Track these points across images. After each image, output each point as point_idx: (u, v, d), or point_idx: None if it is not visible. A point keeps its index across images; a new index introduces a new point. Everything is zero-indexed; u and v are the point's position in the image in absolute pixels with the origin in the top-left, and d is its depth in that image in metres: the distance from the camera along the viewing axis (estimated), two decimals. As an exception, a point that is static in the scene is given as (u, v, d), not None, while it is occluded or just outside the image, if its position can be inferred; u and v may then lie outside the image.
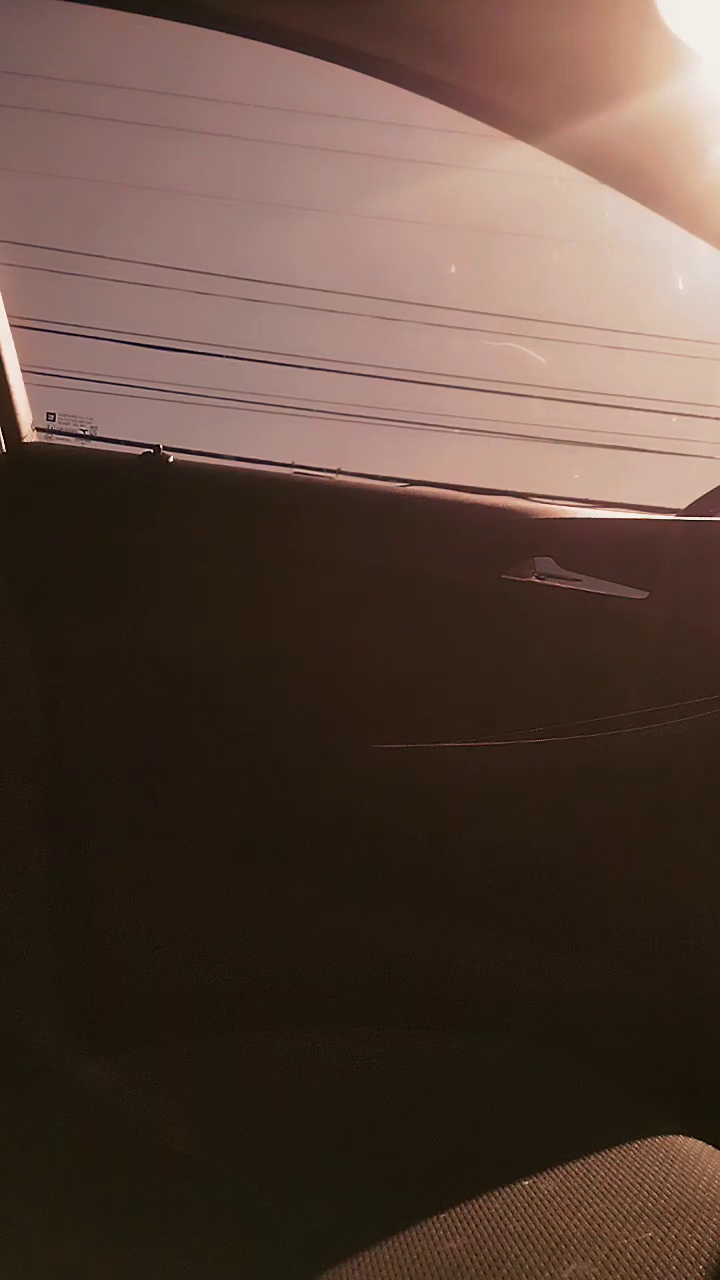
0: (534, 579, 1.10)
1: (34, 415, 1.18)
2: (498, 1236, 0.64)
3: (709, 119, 0.83)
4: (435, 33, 0.81)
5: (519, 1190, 0.68)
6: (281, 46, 0.83)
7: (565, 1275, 0.60)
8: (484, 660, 1.10)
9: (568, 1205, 0.66)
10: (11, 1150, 0.75)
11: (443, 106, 0.85)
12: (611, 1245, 0.62)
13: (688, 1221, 0.63)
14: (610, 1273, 0.59)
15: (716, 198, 0.88)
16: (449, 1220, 0.65)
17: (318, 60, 0.83)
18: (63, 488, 1.12)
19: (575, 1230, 0.63)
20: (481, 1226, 0.65)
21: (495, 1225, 0.65)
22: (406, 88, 0.85)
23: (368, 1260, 0.62)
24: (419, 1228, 0.65)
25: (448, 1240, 0.63)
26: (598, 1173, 0.69)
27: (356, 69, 0.85)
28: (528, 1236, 0.63)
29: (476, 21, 0.80)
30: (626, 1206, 0.65)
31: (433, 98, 0.85)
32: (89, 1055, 0.91)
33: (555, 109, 0.83)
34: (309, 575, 1.09)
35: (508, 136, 0.86)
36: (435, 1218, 0.66)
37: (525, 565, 1.10)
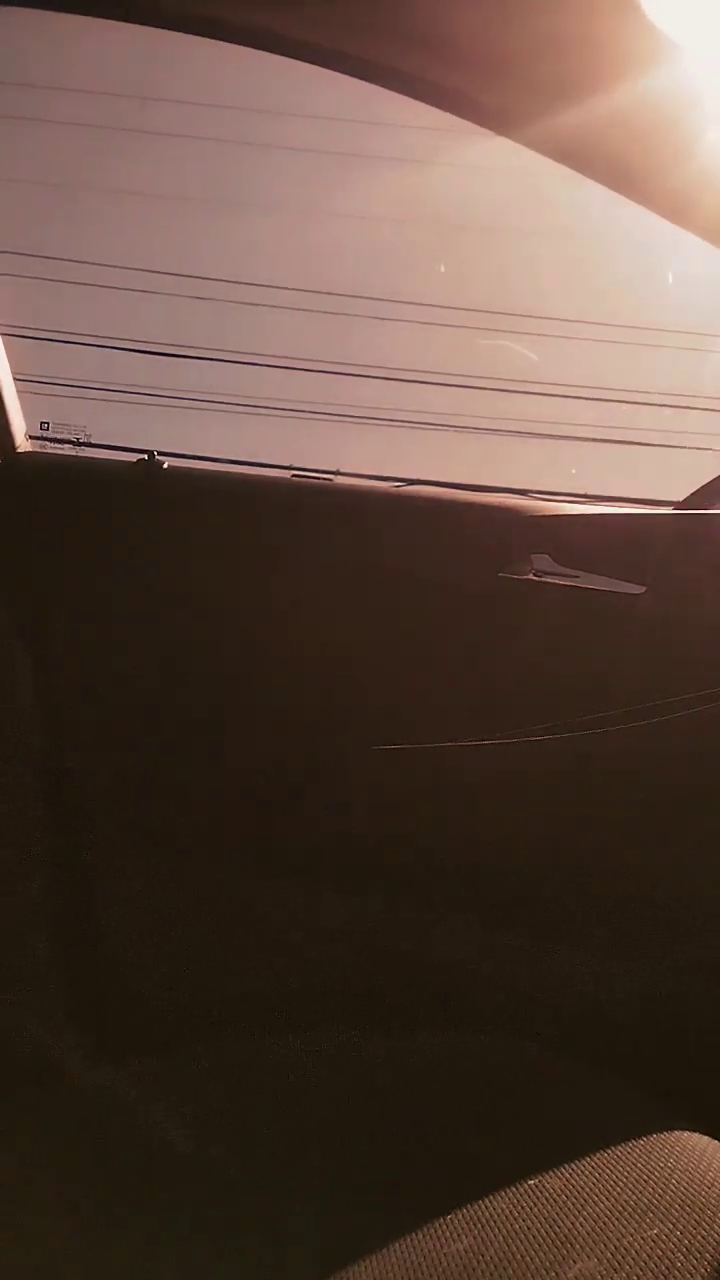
0: (531, 577, 1.09)
1: (28, 424, 1.18)
2: (503, 1236, 0.63)
3: (691, 109, 0.82)
4: (414, 29, 0.81)
5: (524, 1189, 0.67)
6: (254, 48, 0.82)
7: (571, 1274, 0.59)
8: (483, 659, 1.09)
9: (573, 1203, 0.66)
10: (12, 1150, 0.75)
11: (422, 104, 0.85)
12: (618, 1243, 0.62)
13: (694, 1217, 0.63)
14: (616, 1270, 0.59)
15: (701, 188, 0.88)
16: (454, 1221, 0.65)
17: (293, 61, 0.83)
18: (58, 496, 1.13)
19: (581, 1228, 0.63)
20: (487, 1226, 0.64)
21: (501, 1225, 0.64)
22: (386, 86, 0.84)
23: (373, 1262, 0.62)
24: (424, 1229, 0.64)
25: (453, 1241, 0.63)
26: (603, 1169, 0.69)
27: (336, 69, 0.84)
28: (533, 1235, 0.63)
29: (455, 17, 0.80)
30: (632, 1203, 0.65)
31: (412, 95, 0.84)
32: (89, 1057, 0.91)
33: (536, 102, 0.82)
34: (307, 577, 1.09)
35: (488, 131, 0.86)
36: (440, 1219, 0.65)
37: (523, 563, 1.09)
